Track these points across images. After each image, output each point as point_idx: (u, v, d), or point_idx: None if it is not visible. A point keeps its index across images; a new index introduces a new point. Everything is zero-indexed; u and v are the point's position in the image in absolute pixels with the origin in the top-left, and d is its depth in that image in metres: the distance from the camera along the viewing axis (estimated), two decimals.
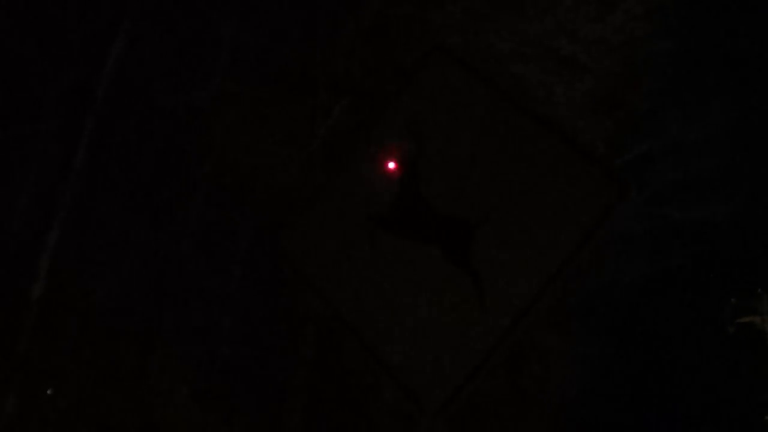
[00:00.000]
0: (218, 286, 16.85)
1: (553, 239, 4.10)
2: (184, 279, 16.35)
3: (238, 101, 16.58)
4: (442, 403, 4.12)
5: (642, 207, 23.21)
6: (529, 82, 17.23)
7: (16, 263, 15.80)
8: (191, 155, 16.68)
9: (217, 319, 16.72)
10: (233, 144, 16.42)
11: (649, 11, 18.25)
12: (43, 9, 16.55)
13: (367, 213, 4.42)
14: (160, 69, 16.36)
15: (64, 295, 15.41)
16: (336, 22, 17.45)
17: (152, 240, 16.27)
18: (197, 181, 16.75)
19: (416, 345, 4.21)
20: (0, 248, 16.06)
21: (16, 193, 16.38)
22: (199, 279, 16.66)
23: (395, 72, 16.70)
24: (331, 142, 17.20)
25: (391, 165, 4.41)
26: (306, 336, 16.86)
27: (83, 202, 15.99)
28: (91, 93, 16.27)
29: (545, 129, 4.26)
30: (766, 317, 28.85)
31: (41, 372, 14.87)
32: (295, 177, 16.50)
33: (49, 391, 14.84)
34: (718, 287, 28.98)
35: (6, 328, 14.95)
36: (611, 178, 4.09)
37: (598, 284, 23.29)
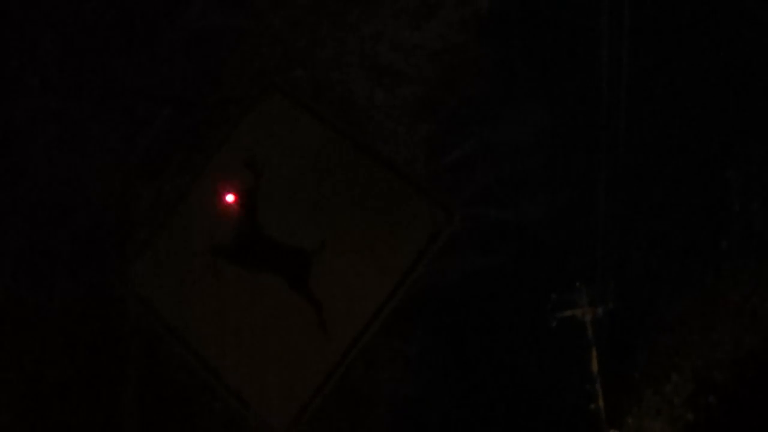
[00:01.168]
0: (40, 308, 16.44)
1: (387, 264, 4.30)
2: (3, 302, 15.91)
3: (54, 116, 16.23)
4: (290, 421, 4.27)
5: (463, 208, 23.85)
6: (349, 89, 17.48)
7: None
8: (8, 175, 16.23)
9: (40, 342, 16.32)
10: (52, 161, 16.06)
11: (465, 19, 18.83)
12: None
13: (208, 245, 4.52)
14: None
15: None
16: (155, 31, 17.27)
17: None
18: (14, 201, 16.31)
19: (263, 369, 4.34)
20: None
21: None
22: (20, 301, 16.24)
23: (217, 83, 16.69)
24: (154, 155, 17.02)
25: (230, 198, 4.51)
26: (131, 356, 16.64)
27: None
28: None
29: (379, 163, 4.46)
30: (586, 309, 29.85)
31: None
32: (117, 192, 16.26)
33: None
34: (538, 283, 29.93)
35: None
36: (438, 205, 4.32)
37: (421, 286, 23.78)
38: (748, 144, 22.47)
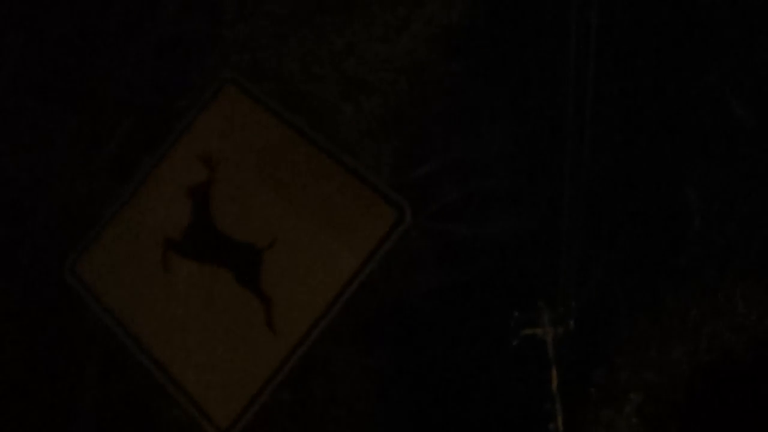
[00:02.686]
0: None
1: (336, 262, 4.36)
2: None
3: (20, 116, 16.12)
4: (232, 420, 4.31)
5: (428, 223, 23.94)
6: (318, 101, 17.52)
7: None
8: None
9: None
10: (15, 161, 15.93)
11: (436, 35, 18.92)
12: None
13: (160, 238, 4.56)
14: None
15: None
16: (125, 35, 17.21)
17: None
18: None
19: (207, 365, 4.38)
20: None
21: None
22: None
23: (184, 90, 16.65)
24: (118, 158, 16.96)
25: (183, 191, 4.58)
26: (91, 357, 16.55)
27: None
28: None
29: (330, 157, 4.52)
30: (547, 329, 30.03)
31: None
32: (80, 195, 16.19)
33: None
34: (501, 301, 30.06)
35: None
36: (389, 202, 4.38)
37: (387, 298, 23.86)
38: (708, 163, 22.77)
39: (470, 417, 36.50)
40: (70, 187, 16.13)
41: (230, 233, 4.49)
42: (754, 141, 21.93)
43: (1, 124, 15.84)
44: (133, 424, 17.20)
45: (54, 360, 16.37)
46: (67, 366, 16.35)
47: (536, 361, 30.83)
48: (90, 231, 4.78)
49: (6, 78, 16.18)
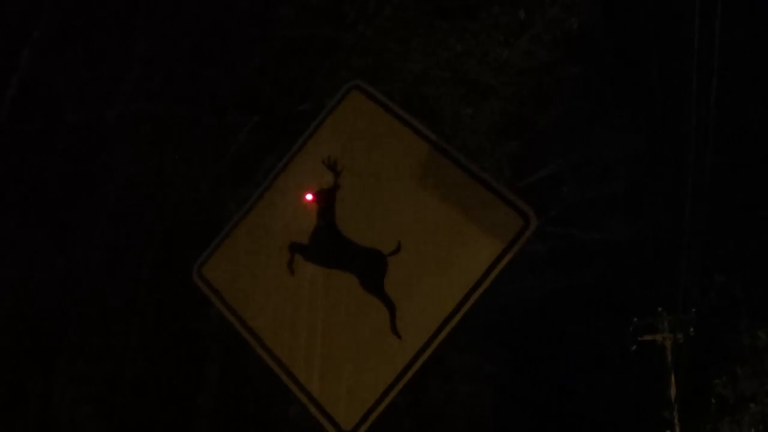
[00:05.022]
0: (123, 306, 16.72)
1: (462, 268, 4.34)
2: (89, 298, 16.18)
3: (146, 119, 16.47)
4: (355, 423, 4.33)
5: (546, 227, 23.74)
6: (438, 104, 17.51)
7: None
8: (98, 173, 16.50)
9: (122, 339, 16.59)
10: (141, 162, 16.30)
11: (556, 38, 18.72)
12: None
13: (285, 242, 4.61)
14: (68, 84, 16.12)
15: None
16: (248, 40, 17.45)
17: (57, 258, 16.07)
18: (103, 199, 16.58)
19: (332, 367, 4.41)
20: None
21: None
22: (104, 298, 16.51)
23: (306, 92, 16.82)
24: (241, 161, 17.22)
25: (309, 197, 4.61)
26: (211, 356, 16.85)
27: None
28: None
29: (455, 164, 4.51)
30: (666, 335, 29.55)
31: None
32: (203, 196, 16.48)
33: None
34: (620, 306, 29.63)
35: None
36: (515, 209, 4.36)
37: (504, 303, 23.75)
38: None
39: (586, 422, 36.08)
40: (195, 188, 16.43)
41: (355, 238, 4.50)
42: None
43: (129, 125, 16.21)
44: (252, 424, 17.44)
45: (175, 358, 16.71)
46: (188, 364, 16.67)
47: (655, 368, 30.31)
48: (218, 234, 4.86)
49: (132, 85, 16.56)
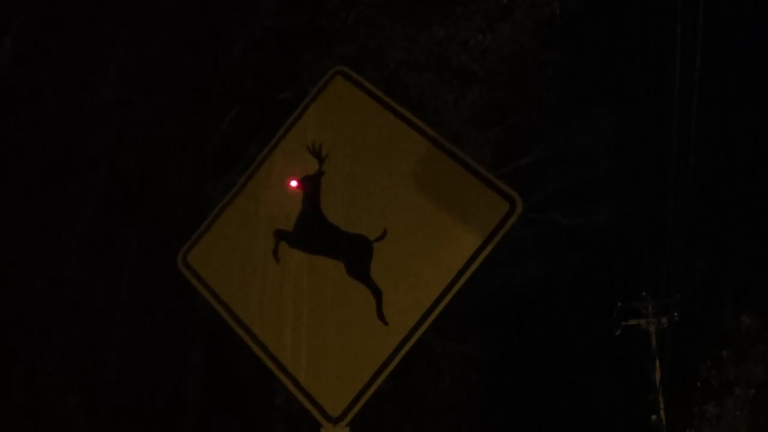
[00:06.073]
0: (107, 296, 16.68)
1: (447, 254, 4.34)
2: (73, 289, 16.13)
3: (128, 108, 16.41)
4: (342, 409, 4.33)
5: (530, 213, 23.79)
6: (422, 91, 17.48)
7: None
8: (80, 162, 16.44)
9: (107, 329, 16.56)
10: (123, 152, 16.24)
11: (538, 24, 18.69)
12: None
13: (270, 228, 4.60)
14: (50, 72, 16.03)
15: None
16: (229, 29, 17.39)
17: (39, 249, 16.01)
18: (86, 188, 16.52)
19: (319, 354, 4.40)
20: None
21: None
22: (88, 289, 16.46)
23: (288, 80, 16.78)
24: (224, 148, 17.19)
25: (294, 183, 4.59)
26: (196, 345, 16.85)
27: None
28: None
29: (439, 149, 4.51)
30: (650, 320, 29.68)
31: None
32: (186, 184, 16.44)
33: None
34: (604, 291, 29.77)
35: None
36: (501, 194, 4.36)
37: (489, 288, 23.82)
38: None
39: (571, 406, 36.27)
40: (178, 177, 16.39)
41: (341, 224, 4.50)
42: None
43: (112, 114, 16.15)
44: (238, 410, 17.45)
45: (161, 346, 16.70)
46: (173, 352, 16.66)
47: (639, 352, 30.48)
48: (202, 220, 4.84)
49: (114, 73, 16.49)
